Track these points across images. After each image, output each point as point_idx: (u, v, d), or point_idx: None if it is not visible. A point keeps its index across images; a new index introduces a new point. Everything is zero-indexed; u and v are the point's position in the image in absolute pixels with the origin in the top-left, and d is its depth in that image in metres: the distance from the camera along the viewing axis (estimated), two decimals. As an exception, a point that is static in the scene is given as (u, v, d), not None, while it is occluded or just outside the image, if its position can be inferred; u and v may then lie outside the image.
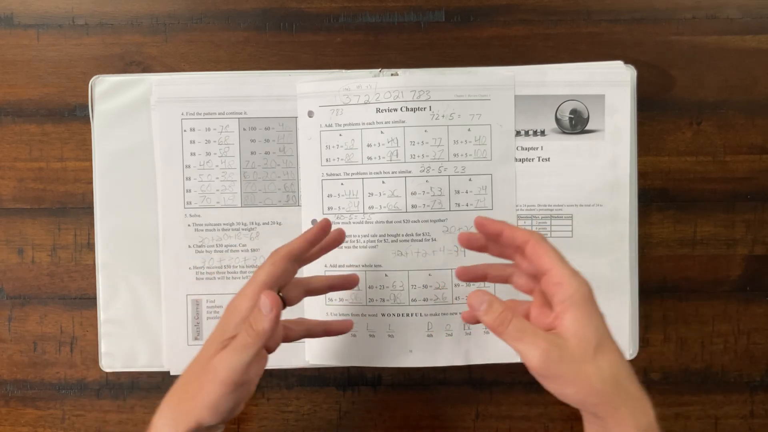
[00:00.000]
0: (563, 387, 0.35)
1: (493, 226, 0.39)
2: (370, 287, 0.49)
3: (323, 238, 0.43)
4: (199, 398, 0.37)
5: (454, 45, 0.51)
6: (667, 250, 0.51)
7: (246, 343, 0.37)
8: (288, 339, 0.42)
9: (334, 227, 0.49)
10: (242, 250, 0.50)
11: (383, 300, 0.49)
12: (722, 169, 0.51)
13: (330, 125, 0.50)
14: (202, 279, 0.50)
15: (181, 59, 0.51)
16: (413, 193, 0.49)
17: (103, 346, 0.50)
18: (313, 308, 0.50)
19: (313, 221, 0.50)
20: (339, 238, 0.44)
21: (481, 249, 0.41)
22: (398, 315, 0.49)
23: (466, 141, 0.49)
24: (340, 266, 0.49)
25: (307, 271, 0.49)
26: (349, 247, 0.49)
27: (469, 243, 0.41)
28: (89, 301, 0.51)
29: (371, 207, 0.49)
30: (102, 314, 0.50)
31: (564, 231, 0.50)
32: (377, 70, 0.49)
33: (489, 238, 0.40)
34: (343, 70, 0.50)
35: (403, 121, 0.48)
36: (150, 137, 0.50)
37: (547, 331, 0.36)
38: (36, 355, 0.52)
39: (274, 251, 0.41)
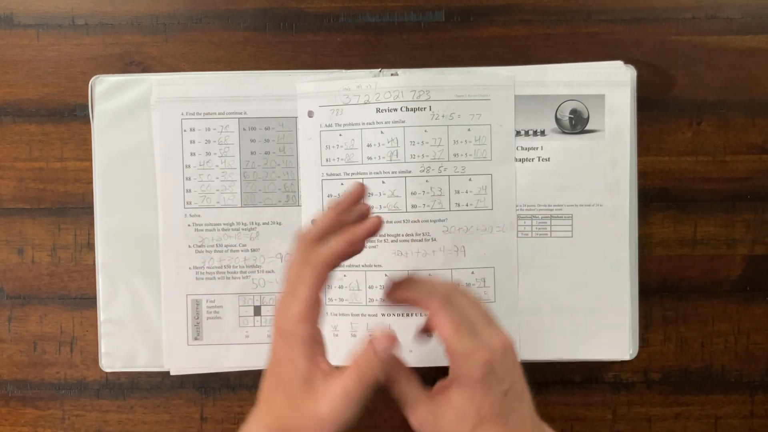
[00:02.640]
0: None
1: (398, 290, 0.37)
2: (370, 287, 0.49)
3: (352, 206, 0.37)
4: None
5: (454, 45, 0.51)
6: (667, 250, 0.51)
7: (357, 393, 0.33)
8: None
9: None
10: (242, 250, 0.50)
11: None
12: (722, 169, 0.51)
13: (330, 125, 0.50)
14: (202, 279, 0.50)
15: (181, 59, 0.51)
16: (413, 193, 0.49)
17: (103, 346, 0.50)
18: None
19: (314, 221, 0.50)
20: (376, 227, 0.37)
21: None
22: (398, 315, 0.49)
23: (466, 141, 0.49)
24: (339, 266, 0.49)
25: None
26: (349, 247, 0.49)
27: (390, 293, 0.38)
28: (89, 301, 0.51)
29: (371, 207, 0.49)
30: (102, 314, 0.50)
31: (564, 231, 0.50)
32: (377, 70, 0.49)
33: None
34: (343, 70, 0.50)
35: (403, 121, 0.48)
36: (150, 137, 0.50)
37: (434, 395, 0.36)
38: (36, 355, 0.52)
39: (313, 253, 0.35)
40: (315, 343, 0.35)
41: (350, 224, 0.37)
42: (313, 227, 0.36)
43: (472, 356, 0.34)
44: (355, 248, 0.36)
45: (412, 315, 0.49)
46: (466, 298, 0.37)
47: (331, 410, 0.33)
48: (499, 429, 0.34)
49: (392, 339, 0.34)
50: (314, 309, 0.34)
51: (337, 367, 0.35)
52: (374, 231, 0.36)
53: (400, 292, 0.37)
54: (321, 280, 0.35)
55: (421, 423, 0.35)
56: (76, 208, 0.51)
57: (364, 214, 0.37)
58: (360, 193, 0.37)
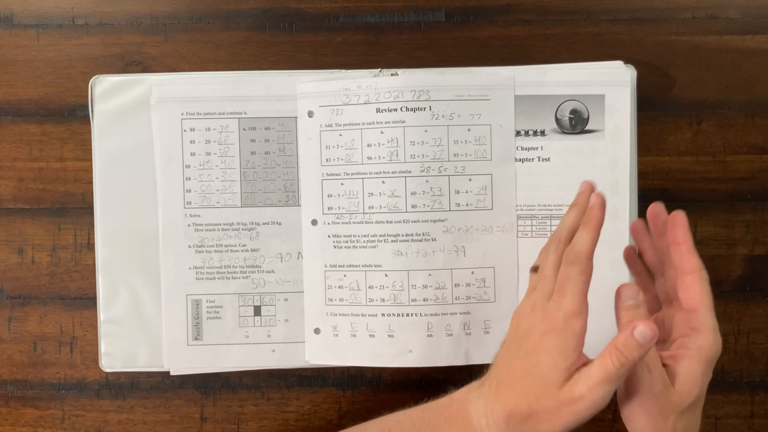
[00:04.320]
0: (633, 418, 0.37)
1: (683, 233, 0.38)
2: (370, 287, 0.49)
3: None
4: (552, 426, 0.35)
5: (454, 45, 0.51)
6: (667, 250, 0.51)
7: (614, 375, 0.34)
8: None
9: (333, 227, 0.50)
10: (242, 250, 0.50)
11: (383, 300, 0.49)
12: (722, 169, 0.51)
13: (330, 125, 0.50)
14: (202, 279, 0.50)
15: (181, 59, 0.51)
16: (413, 193, 0.49)
17: (103, 346, 0.50)
18: (313, 309, 0.50)
19: (314, 221, 0.50)
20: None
21: (644, 242, 0.41)
22: (398, 315, 0.49)
23: (466, 141, 0.49)
24: (339, 266, 0.49)
25: (306, 271, 0.50)
26: (349, 247, 0.49)
27: (654, 218, 0.40)
28: (89, 301, 0.51)
29: (371, 207, 0.49)
30: (102, 314, 0.50)
31: (564, 231, 0.50)
32: (377, 70, 0.49)
33: (664, 238, 0.39)
34: (343, 70, 0.50)
35: (403, 121, 0.48)
36: (150, 137, 0.50)
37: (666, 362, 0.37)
38: (36, 355, 0.52)
39: (573, 252, 0.37)
40: (583, 337, 0.37)
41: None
42: (561, 229, 0.39)
43: (717, 335, 0.36)
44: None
45: (411, 315, 0.49)
46: None
47: (589, 390, 0.34)
48: (697, 414, 0.37)
49: (655, 331, 0.34)
50: (585, 305, 0.37)
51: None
52: (604, 206, 0.38)
53: (688, 234, 0.38)
54: (586, 276, 0.37)
55: (653, 382, 0.36)
56: (76, 208, 0.51)
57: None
58: (591, 189, 0.40)
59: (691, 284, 0.38)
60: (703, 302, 0.37)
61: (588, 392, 0.34)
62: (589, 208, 0.39)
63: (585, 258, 0.37)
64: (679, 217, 0.39)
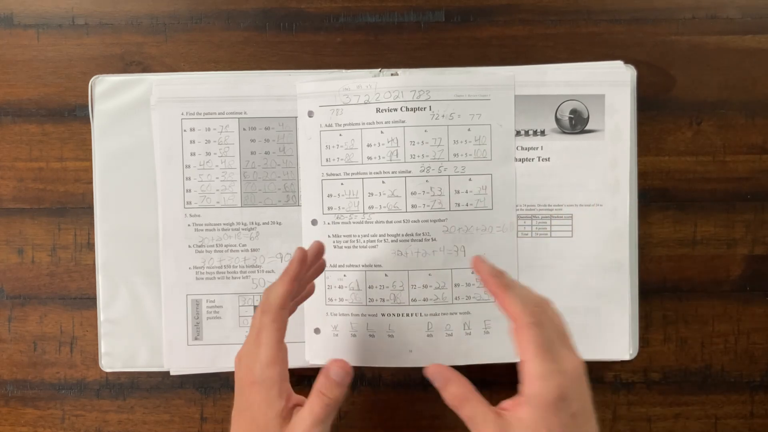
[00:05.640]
0: None
1: (490, 281, 0.38)
2: (370, 287, 0.49)
3: (305, 267, 0.41)
4: None
5: (454, 45, 0.51)
6: (667, 250, 0.51)
7: (324, 415, 0.37)
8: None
9: (333, 227, 0.50)
10: (242, 250, 0.50)
11: (383, 300, 0.49)
12: (722, 169, 0.51)
13: (330, 125, 0.50)
14: (202, 279, 0.50)
15: (181, 59, 0.51)
16: (413, 193, 0.49)
17: (103, 346, 0.50)
18: (313, 309, 0.50)
19: (314, 221, 0.50)
20: (321, 267, 0.45)
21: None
22: (398, 315, 0.49)
23: (466, 141, 0.49)
24: (339, 266, 0.49)
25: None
26: (349, 247, 0.49)
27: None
28: (89, 301, 0.51)
29: (371, 207, 0.49)
30: (102, 314, 0.50)
31: (564, 231, 0.50)
32: (377, 70, 0.49)
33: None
34: (343, 70, 0.50)
35: (403, 121, 0.48)
36: (150, 137, 0.50)
37: (502, 412, 0.36)
38: (36, 355, 0.52)
39: (264, 300, 0.39)
40: (285, 381, 0.38)
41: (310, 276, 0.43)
42: (272, 294, 0.39)
43: (548, 380, 0.35)
44: (302, 286, 0.42)
45: (411, 315, 0.49)
46: (551, 316, 0.38)
47: None
48: None
49: (347, 369, 0.37)
50: (280, 352, 0.38)
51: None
52: (302, 264, 0.40)
53: (490, 280, 0.38)
54: (280, 324, 0.38)
55: None
56: (76, 208, 0.51)
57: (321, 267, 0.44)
58: (307, 257, 0.40)
59: (516, 332, 0.36)
60: (527, 350, 0.35)
61: None
62: (290, 261, 0.40)
63: (276, 307, 0.38)
64: (478, 263, 0.39)
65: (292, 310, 0.45)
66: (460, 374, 0.38)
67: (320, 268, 0.45)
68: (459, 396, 0.37)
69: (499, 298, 0.38)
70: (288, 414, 0.38)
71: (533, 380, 0.35)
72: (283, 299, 0.39)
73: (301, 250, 0.40)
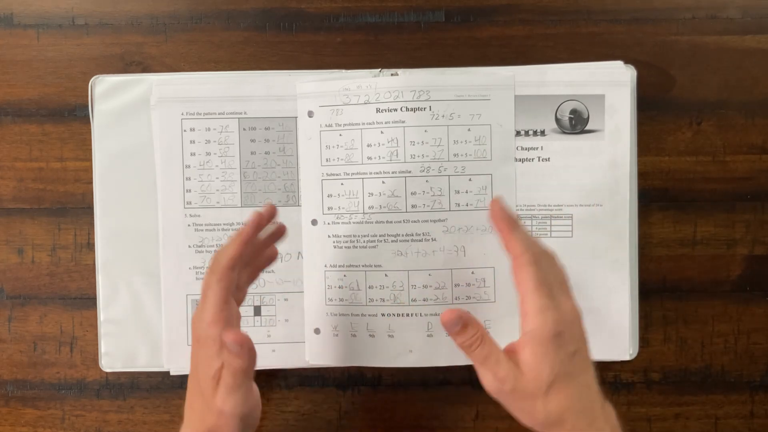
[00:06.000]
0: (514, 413, 0.37)
1: (500, 222, 0.39)
2: (370, 287, 0.49)
3: (260, 231, 0.41)
4: None
5: (454, 45, 0.51)
6: (667, 250, 0.51)
7: (234, 383, 0.37)
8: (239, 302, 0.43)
9: (333, 227, 0.49)
10: (242, 250, 0.50)
11: (383, 300, 0.49)
12: (722, 169, 0.51)
13: (330, 125, 0.50)
14: (202, 279, 0.50)
15: (181, 59, 0.51)
16: (413, 193, 0.49)
17: (103, 346, 0.50)
18: (313, 309, 0.50)
19: (314, 221, 0.50)
20: (279, 232, 0.44)
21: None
22: (398, 315, 0.49)
23: (466, 141, 0.49)
24: (340, 266, 0.49)
25: (308, 273, 0.50)
26: (349, 247, 0.49)
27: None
28: (89, 301, 0.51)
29: (371, 207, 0.49)
30: (102, 314, 0.50)
31: (564, 231, 0.50)
32: (377, 70, 0.49)
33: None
34: (343, 70, 0.50)
35: (403, 121, 0.48)
36: (150, 137, 0.50)
37: (510, 354, 0.37)
38: (36, 355, 0.52)
39: (214, 261, 0.39)
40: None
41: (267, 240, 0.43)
42: (221, 253, 0.39)
43: (545, 314, 0.36)
44: (257, 251, 0.43)
45: (411, 315, 0.49)
46: (552, 263, 0.39)
47: (222, 402, 0.37)
48: (569, 388, 0.36)
49: (237, 338, 0.36)
50: (222, 312, 0.38)
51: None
52: (259, 227, 0.40)
53: (500, 219, 0.39)
54: (225, 284, 0.38)
55: (503, 381, 0.36)
56: (76, 208, 0.51)
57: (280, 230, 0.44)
58: (261, 223, 0.40)
59: (516, 269, 0.38)
60: (526, 286, 0.37)
61: (223, 403, 0.37)
62: (253, 221, 0.40)
63: (224, 268, 0.38)
64: (495, 204, 0.39)
65: (252, 277, 0.44)
66: (472, 315, 0.38)
67: (279, 232, 0.44)
68: (477, 337, 0.37)
69: (504, 236, 0.39)
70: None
71: (532, 316, 0.36)
72: (232, 259, 0.39)
73: (257, 213, 0.40)
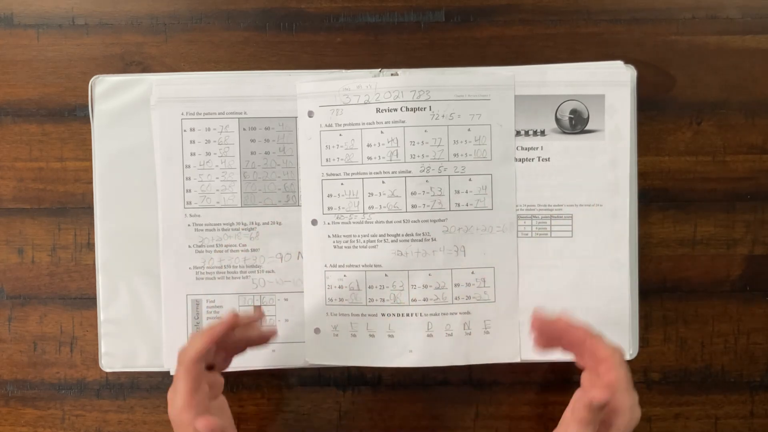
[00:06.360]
0: None
1: (576, 333, 0.42)
2: (370, 287, 0.49)
3: (232, 330, 0.43)
4: None
5: (454, 45, 0.51)
6: (667, 250, 0.51)
7: None
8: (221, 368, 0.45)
9: (333, 227, 0.49)
10: (242, 250, 0.50)
11: (383, 300, 0.49)
12: (722, 169, 0.51)
13: (330, 125, 0.50)
14: (202, 279, 0.50)
15: (181, 59, 0.51)
16: (413, 193, 0.49)
17: (103, 346, 0.50)
18: (313, 309, 0.50)
19: (314, 221, 0.50)
20: (264, 338, 0.46)
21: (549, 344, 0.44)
22: (398, 315, 0.49)
23: (466, 141, 0.49)
24: (340, 266, 0.49)
25: (310, 272, 0.50)
26: (349, 247, 0.49)
27: (541, 330, 0.43)
28: (89, 301, 0.51)
29: (371, 207, 0.49)
30: (102, 314, 0.50)
31: (564, 231, 0.50)
32: (377, 70, 0.49)
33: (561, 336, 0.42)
34: (343, 70, 0.50)
35: (403, 121, 0.48)
36: (150, 137, 0.50)
37: None
38: (36, 355, 0.52)
39: (181, 353, 0.41)
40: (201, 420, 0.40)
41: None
42: (188, 348, 0.42)
43: (634, 410, 0.40)
44: (236, 346, 0.45)
45: (411, 315, 0.49)
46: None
47: None
48: None
49: (212, 425, 0.39)
50: (193, 399, 0.40)
51: None
52: (227, 328, 0.42)
53: (573, 330, 0.42)
54: (192, 375, 0.41)
55: None
56: (76, 208, 0.51)
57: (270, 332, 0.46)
58: (230, 325, 0.42)
59: (607, 370, 0.40)
60: (621, 384, 0.40)
61: None
62: (222, 322, 0.42)
63: (189, 361, 0.41)
64: (563, 319, 0.42)
65: (234, 353, 0.46)
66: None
67: (270, 335, 0.46)
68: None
69: (590, 343, 0.41)
70: None
71: (626, 410, 0.40)
72: (198, 353, 0.41)
73: (233, 315, 0.42)
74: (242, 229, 0.50)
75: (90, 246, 0.51)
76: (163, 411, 0.52)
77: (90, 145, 0.50)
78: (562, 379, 0.51)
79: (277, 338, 0.47)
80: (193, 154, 0.50)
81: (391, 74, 0.49)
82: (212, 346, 0.42)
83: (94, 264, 0.50)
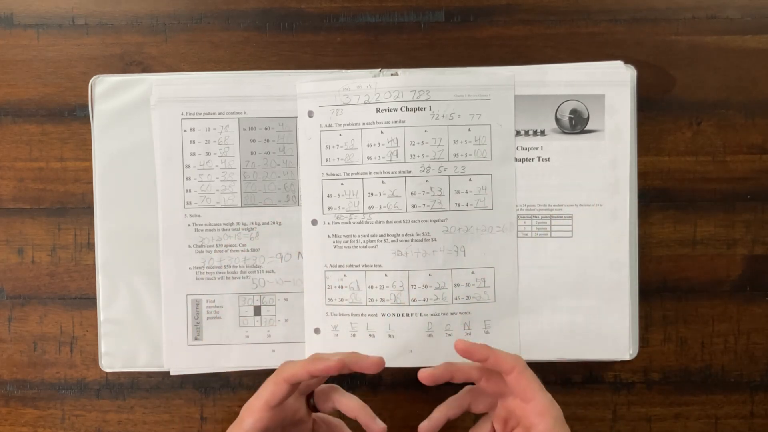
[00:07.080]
0: None
1: (480, 352, 0.42)
2: (370, 287, 0.49)
3: (329, 375, 0.43)
4: None
5: (454, 45, 0.51)
6: (667, 250, 0.51)
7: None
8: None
9: (333, 227, 0.50)
10: (242, 250, 0.50)
11: (383, 300, 0.49)
12: (722, 169, 0.51)
13: (330, 125, 0.50)
14: (202, 279, 0.50)
15: (181, 59, 0.51)
16: (413, 193, 0.49)
17: (103, 346, 0.50)
18: (313, 309, 0.50)
19: (314, 221, 0.50)
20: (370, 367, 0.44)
21: (444, 381, 0.44)
22: (398, 315, 0.49)
23: (466, 141, 0.49)
24: (340, 266, 0.49)
25: (308, 274, 0.50)
26: (349, 247, 0.49)
27: (433, 380, 0.43)
28: (89, 301, 0.51)
29: (371, 207, 0.49)
30: (102, 314, 0.50)
31: (564, 231, 0.50)
32: (377, 70, 0.49)
33: (474, 360, 0.43)
34: (343, 70, 0.50)
35: (403, 121, 0.48)
36: (150, 137, 0.50)
37: None
38: (36, 355, 0.52)
39: (284, 367, 0.42)
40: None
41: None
42: (289, 366, 0.43)
43: (553, 405, 0.42)
44: (316, 379, 0.45)
45: (411, 315, 0.49)
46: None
47: None
48: None
49: None
50: (263, 410, 0.42)
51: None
52: (333, 367, 0.42)
53: (476, 351, 0.42)
54: (279, 390, 0.42)
55: None
56: (76, 208, 0.51)
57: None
58: (334, 370, 0.42)
59: (515, 380, 0.42)
60: (531, 388, 0.41)
61: None
62: (330, 363, 0.42)
63: (282, 376, 0.42)
64: (459, 343, 0.42)
65: (311, 387, 0.46)
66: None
67: (329, 370, 0.43)
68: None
69: (491, 359, 0.42)
70: None
71: (544, 411, 0.41)
72: (295, 375, 0.42)
73: (341, 364, 0.42)
74: (242, 229, 0.50)
75: (90, 246, 0.51)
76: (163, 411, 0.52)
77: (90, 145, 0.50)
78: (562, 379, 0.51)
79: None
80: (193, 154, 0.50)
81: (391, 74, 0.49)
82: (307, 377, 0.42)
83: (94, 264, 0.50)
